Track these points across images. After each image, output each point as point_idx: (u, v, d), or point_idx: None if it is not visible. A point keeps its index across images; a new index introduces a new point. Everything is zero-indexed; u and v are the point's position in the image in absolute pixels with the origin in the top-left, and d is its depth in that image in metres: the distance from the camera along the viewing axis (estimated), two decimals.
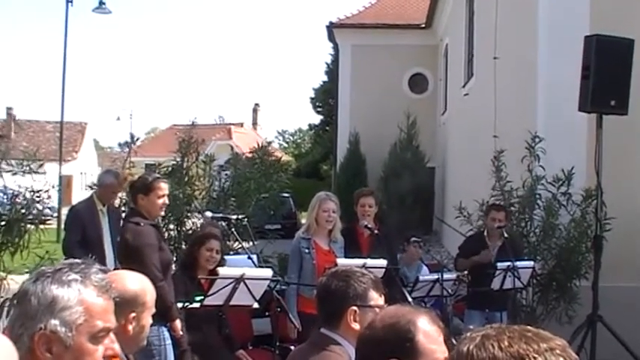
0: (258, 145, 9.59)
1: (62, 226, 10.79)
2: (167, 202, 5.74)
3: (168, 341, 5.33)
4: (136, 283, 2.81)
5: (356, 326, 2.93)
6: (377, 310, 2.91)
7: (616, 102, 7.16)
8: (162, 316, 5.19)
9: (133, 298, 2.71)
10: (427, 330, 2.24)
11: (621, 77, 7.17)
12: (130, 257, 5.23)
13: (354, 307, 2.98)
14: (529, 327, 1.64)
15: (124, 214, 6.85)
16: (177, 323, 5.39)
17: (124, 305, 2.56)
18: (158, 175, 5.84)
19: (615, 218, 7.62)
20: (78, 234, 7.16)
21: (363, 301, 2.99)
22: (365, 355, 2.30)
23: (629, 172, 8.45)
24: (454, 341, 1.70)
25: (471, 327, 5.68)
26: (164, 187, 5.60)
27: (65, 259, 4.82)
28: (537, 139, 8.16)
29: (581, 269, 7.88)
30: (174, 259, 7.88)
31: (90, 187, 8.43)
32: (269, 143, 10.15)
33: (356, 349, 2.40)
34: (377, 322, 2.31)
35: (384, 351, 2.21)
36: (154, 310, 2.88)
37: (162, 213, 5.98)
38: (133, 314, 2.70)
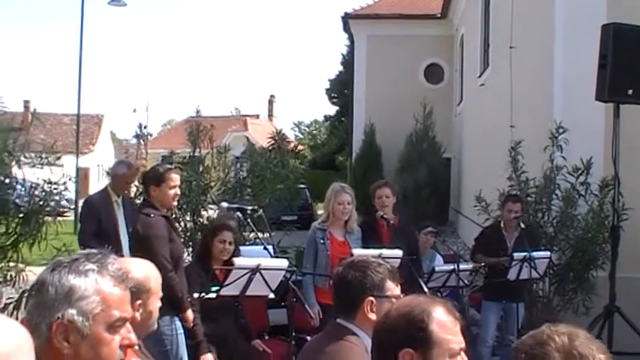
0: (276, 130, 9.64)
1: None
2: (179, 192, 5.76)
3: (180, 331, 5.36)
4: (139, 270, 2.83)
5: (373, 316, 2.92)
6: (393, 300, 2.90)
7: (633, 91, 7.10)
8: (174, 306, 5.22)
9: (138, 286, 2.73)
10: (442, 320, 2.24)
11: (639, 66, 7.10)
12: (140, 248, 5.24)
13: (371, 298, 2.97)
14: None
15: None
16: (189, 314, 5.41)
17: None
18: (169, 166, 5.84)
19: (633, 209, 7.57)
20: (93, 225, 7.17)
21: (379, 291, 2.99)
22: (380, 343, 2.31)
23: None
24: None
25: (489, 318, 5.68)
26: (175, 177, 5.60)
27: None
28: (561, 130, 8.10)
29: (599, 260, 7.83)
30: (191, 250, 7.92)
31: (108, 173, 8.43)
32: (282, 133, 10.21)
33: (372, 338, 2.40)
34: (392, 311, 2.32)
35: (397, 340, 2.22)
36: (160, 294, 2.91)
37: (175, 203, 5.99)
38: (139, 301, 2.73)
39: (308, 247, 6.54)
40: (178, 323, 5.37)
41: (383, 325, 2.31)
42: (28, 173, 7.02)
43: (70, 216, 19.42)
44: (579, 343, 1.85)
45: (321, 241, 6.37)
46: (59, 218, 7.26)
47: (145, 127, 64.97)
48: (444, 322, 2.24)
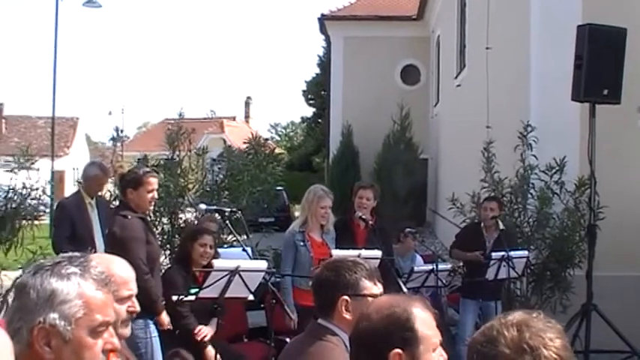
0: (253, 135, 9.58)
1: None
2: (156, 196, 5.74)
3: (155, 334, 5.33)
4: None
5: (348, 316, 2.93)
6: (370, 299, 2.90)
7: (609, 91, 7.18)
8: (148, 309, 5.18)
9: None
10: (423, 317, 2.26)
11: (614, 66, 7.18)
12: (116, 250, 5.18)
13: (346, 297, 2.97)
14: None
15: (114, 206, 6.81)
16: (164, 317, 5.39)
17: None
18: (148, 169, 5.80)
19: (608, 207, 7.63)
20: (67, 229, 7.03)
21: (354, 290, 2.98)
22: (364, 346, 2.28)
23: (621, 161, 8.44)
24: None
25: (467, 316, 5.69)
26: (153, 181, 5.58)
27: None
28: (530, 128, 8.16)
29: (575, 258, 7.89)
30: (169, 252, 7.87)
31: (79, 182, 8.33)
32: (266, 140, 10.15)
33: (352, 340, 2.38)
34: (373, 313, 2.30)
35: (385, 342, 2.21)
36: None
37: (152, 207, 5.95)
38: None
39: (286, 251, 6.50)
40: (152, 327, 5.34)
41: (366, 327, 2.28)
42: (4, 177, 6.94)
43: (46, 219, 19.26)
44: (529, 334, 1.83)
45: (302, 244, 6.37)
46: (35, 222, 7.17)
47: (121, 131, 64.48)
48: (424, 319, 2.26)
